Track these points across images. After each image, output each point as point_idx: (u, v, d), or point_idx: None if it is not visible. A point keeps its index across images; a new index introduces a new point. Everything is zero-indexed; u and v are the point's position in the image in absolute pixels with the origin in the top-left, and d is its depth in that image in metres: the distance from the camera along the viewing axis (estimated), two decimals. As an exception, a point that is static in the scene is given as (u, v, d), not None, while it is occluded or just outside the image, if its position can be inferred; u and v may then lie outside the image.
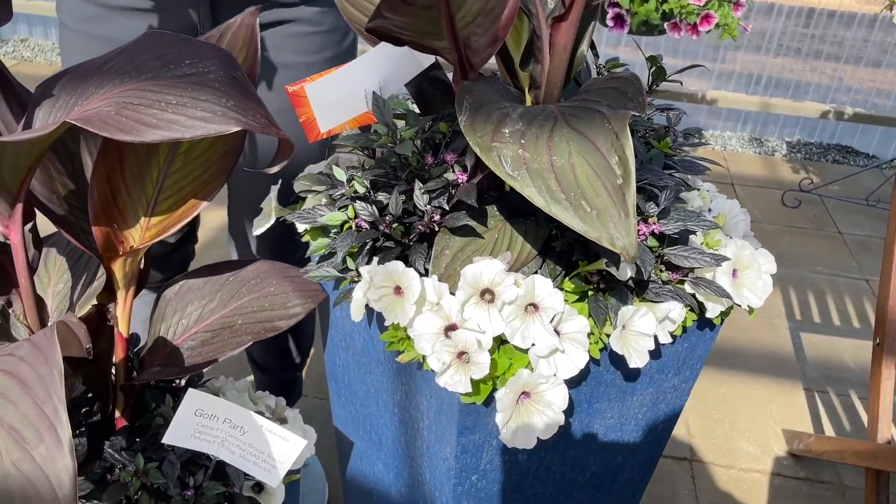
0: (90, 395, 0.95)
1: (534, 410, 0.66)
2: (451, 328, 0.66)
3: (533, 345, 0.66)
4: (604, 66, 0.86)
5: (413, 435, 0.82)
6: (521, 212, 0.76)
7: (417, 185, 0.72)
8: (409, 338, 0.71)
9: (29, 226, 0.79)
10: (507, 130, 0.60)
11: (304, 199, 0.91)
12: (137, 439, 0.89)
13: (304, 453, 0.99)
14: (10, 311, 0.80)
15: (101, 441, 0.88)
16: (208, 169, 0.80)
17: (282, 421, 1.06)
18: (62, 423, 0.54)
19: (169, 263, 1.24)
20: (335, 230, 0.80)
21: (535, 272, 0.72)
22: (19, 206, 0.73)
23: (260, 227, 0.89)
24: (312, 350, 1.86)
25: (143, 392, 0.94)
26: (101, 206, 0.78)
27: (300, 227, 0.85)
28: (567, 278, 0.72)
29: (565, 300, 0.68)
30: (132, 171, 0.80)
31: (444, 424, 0.73)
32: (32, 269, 0.79)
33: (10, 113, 0.79)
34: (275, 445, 0.87)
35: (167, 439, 0.85)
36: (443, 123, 0.78)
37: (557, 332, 0.66)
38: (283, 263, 0.94)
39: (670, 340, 0.72)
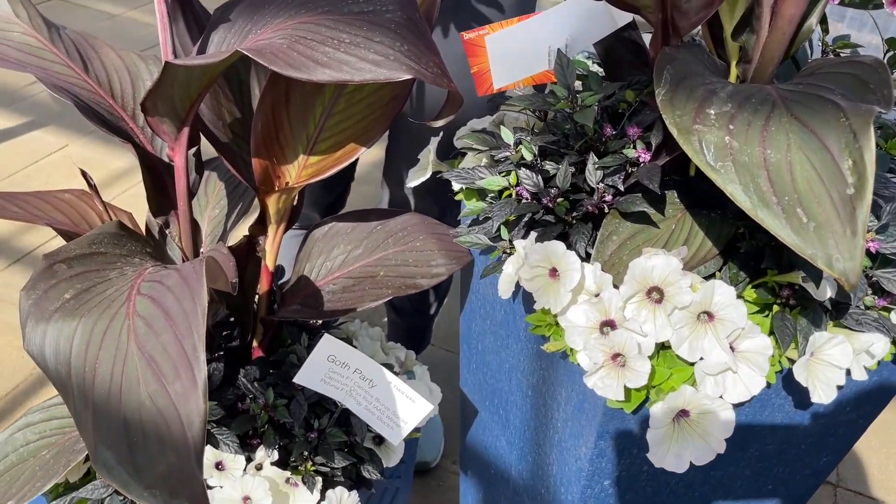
0: (232, 320, 0.96)
1: (691, 433, 0.58)
2: (608, 324, 0.59)
3: (701, 359, 0.58)
4: (831, 46, 0.73)
5: (545, 423, 0.76)
6: (705, 202, 0.67)
7: (591, 158, 0.65)
8: (557, 325, 0.65)
9: (193, 150, 0.79)
10: (712, 111, 0.52)
11: (463, 155, 0.86)
12: (270, 372, 0.90)
13: (428, 415, 0.97)
14: (167, 231, 0.81)
15: (237, 368, 0.90)
16: (372, 113, 0.77)
17: (410, 375, 1.05)
18: (199, 364, 0.53)
19: (323, 203, 1.24)
20: (492, 195, 0.74)
21: (713, 274, 0.63)
22: (186, 130, 0.73)
23: (415, 179, 0.85)
24: (446, 300, 1.84)
25: (281, 327, 0.95)
26: (263, 139, 0.77)
27: (455, 187, 0.80)
28: (750, 286, 0.63)
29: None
30: (296, 107, 0.78)
31: (582, 423, 0.67)
32: (192, 192, 0.79)
33: (188, 33, 0.78)
34: (401, 404, 0.84)
35: (298, 379, 0.84)
36: (629, 91, 0.70)
37: (732, 349, 0.58)
38: (433, 219, 0.90)
39: (865, 377, 0.62)
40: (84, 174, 0.76)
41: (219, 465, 0.82)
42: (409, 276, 0.84)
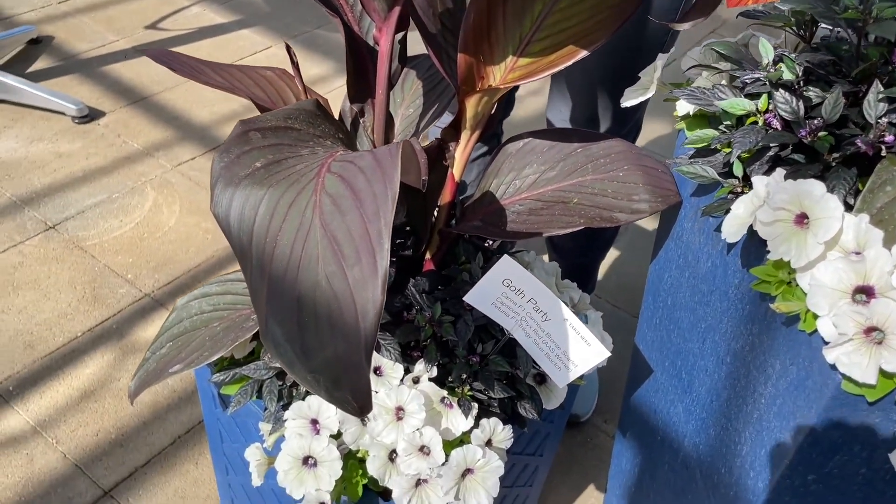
0: (408, 228, 0.92)
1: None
2: (864, 291, 0.48)
3: None
4: None
5: (742, 397, 0.66)
6: None
7: (875, 86, 0.52)
8: (790, 284, 0.54)
9: (399, 36, 0.74)
10: None
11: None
12: (440, 287, 0.85)
13: (601, 362, 0.89)
14: (361, 120, 0.77)
15: (407, 277, 0.86)
16: (598, 13, 0.68)
17: (582, 318, 0.97)
18: (383, 251, 0.48)
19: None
20: (728, 122, 0.63)
21: None
22: (396, 11, 0.67)
23: (631, 98, 0.75)
24: (616, 252, 1.73)
25: (456, 243, 0.90)
26: (473, 34, 0.70)
27: (682, 110, 0.70)
28: None
29: None
30: (514, 3, 0.70)
31: (798, 403, 0.57)
32: (391, 83, 0.74)
33: None
34: (574, 345, 0.77)
35: (468, 298, 0.79)
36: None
37: None
38: (641, 150, 0.80)
39: None
40: (289, 49, 0.73)
41: (377, 371, 0.79)
42: (605, 208, 0.76)
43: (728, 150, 0.63)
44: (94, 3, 2.35)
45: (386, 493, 0.79)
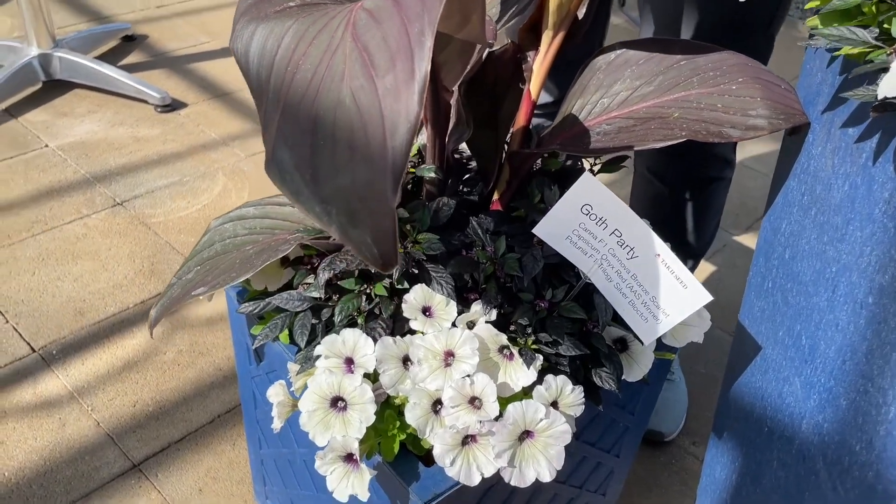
0: (472, 165, 0.81)
1: None
2: None
3: None
4: None
5: (892, 343, 0.50)
6: None
7: None
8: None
9: None
10: None
11: None
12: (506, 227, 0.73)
13: (700, 325, 0.74)
14: None
15: (468, 217, 0.74)
16: None
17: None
18: (423, 51, 0.37)
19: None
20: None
21: None
22: None
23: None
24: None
25: (529, 180, 0.78)
26: None
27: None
28: None
29: None
30: None
31: None
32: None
33: None
34: (667, 288, 0.63)
35: (539, 230, 0.67)
36: None
37: None
38: (757, 63, 0.67)
39: None
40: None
41: (426, 311, 0.67)
42: (714, 122, 0.62)
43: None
44: (190, 8, 2.39)
45: (428, 459, 0.66)
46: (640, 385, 0.83)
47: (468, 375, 0.62)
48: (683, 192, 1.06)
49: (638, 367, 0.72)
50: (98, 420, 1.13)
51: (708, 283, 1.53)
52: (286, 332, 0.73)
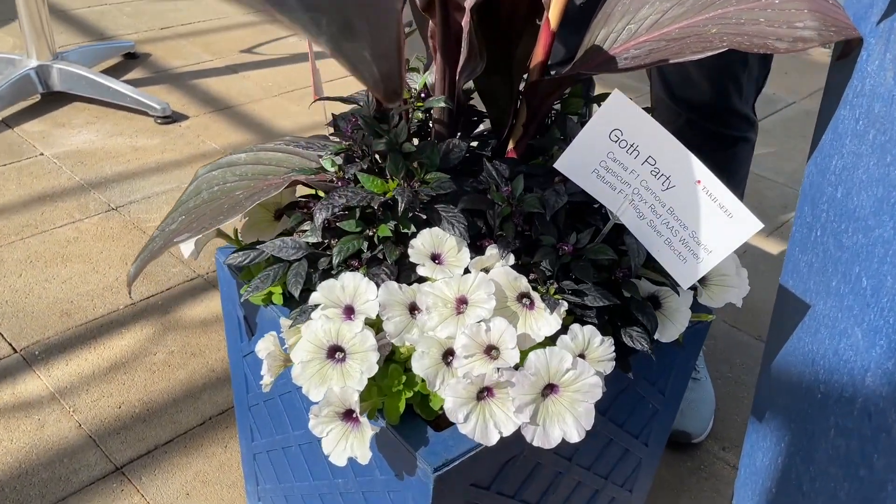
0: (476, 120, 0.75)
1: None
2: None
3: None
4: None
5: None
6: None
7: None
8: None
9: None
10: None
11: None
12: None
13: (739, 287, 0.67)
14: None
15: (482, 163, 0.68)
16: None
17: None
18: None
19: None
20: None
21: None
22: None
23: None
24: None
25: (548, 126, 0.71)
26: None
27: None
28: None
29: None
30: None
31: None
32: None
33: None
34: (709, 219, 0.56)
35: (560, 163, 0.60)
36: None
37: None
38: (802, -19, 0.60)
39: None
40: None
41: (436, 258, 0.60)
42: (756, 35, 0.56)
43: None
44: (195, 29, 2.38)
45: (439, 423, 0.58)
46: (671, 358, 0.75)
47: (483, 321, 0.55)
48: (707, 152, 1.00)
49: (673, 326, 0.64)
50: (80, 421, 1.04)
51: (730, 289, 1.45)
52: (279, 288, 0.65)
